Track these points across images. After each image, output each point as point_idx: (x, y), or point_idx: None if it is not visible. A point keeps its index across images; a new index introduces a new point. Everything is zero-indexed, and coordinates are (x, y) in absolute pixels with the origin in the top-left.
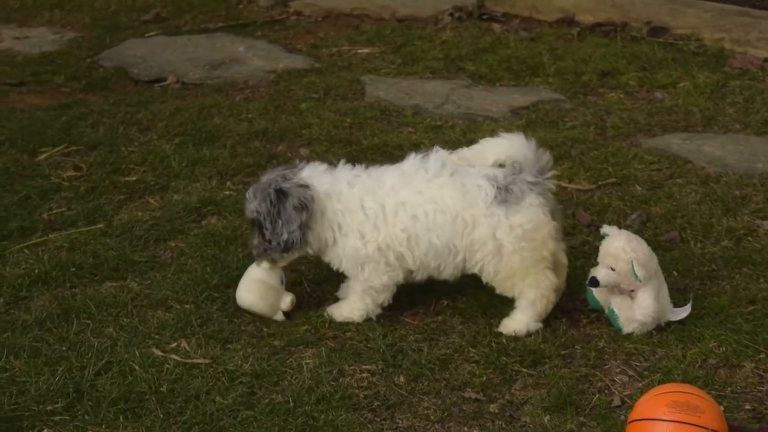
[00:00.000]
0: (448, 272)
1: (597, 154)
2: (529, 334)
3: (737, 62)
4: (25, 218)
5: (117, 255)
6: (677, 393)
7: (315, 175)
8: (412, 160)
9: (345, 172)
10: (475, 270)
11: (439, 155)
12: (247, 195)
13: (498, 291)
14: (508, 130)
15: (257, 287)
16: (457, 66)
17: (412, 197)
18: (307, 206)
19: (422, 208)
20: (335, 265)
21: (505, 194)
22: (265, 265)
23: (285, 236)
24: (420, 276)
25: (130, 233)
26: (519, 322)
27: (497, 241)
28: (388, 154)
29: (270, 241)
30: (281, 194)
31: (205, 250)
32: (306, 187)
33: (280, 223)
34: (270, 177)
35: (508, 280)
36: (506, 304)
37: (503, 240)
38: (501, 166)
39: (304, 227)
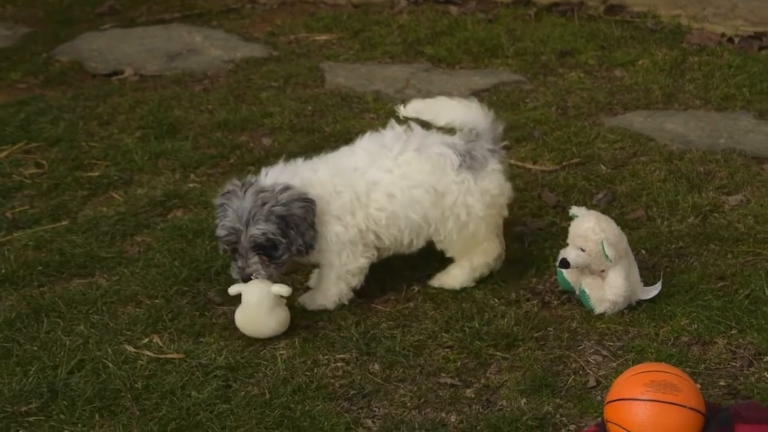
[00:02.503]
0: (418, 245)
1: (560, 135)
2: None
3: (694, 38)
4: None
5: (84, 252)
6: (655, 372)
7: (281, 175)
8: (368, 139)
9: (304, 164)
10: (440, 239)
11: (395, 132)
12: (233, 226)
13: (449, 255)
14: None
15: (277, 312)
16: (416, 50)
17: (384, 176)
18: (310, 205)
19: (397, 186)
20: (312, 258)
21: (469, 161)
22: (260, 283)
23: (301, 242)
24: (388, 253)
25: (96, 229)
26: (454, 278)
27: (468, 208)
28: (351, 141)
29: (280, 257)
30: (285, 211)
31: (172, 244)
32: (289, 188)
33: (292, 233)
34: (249, 200)
35: (467, 246)
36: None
37: (475, 206)
38: (449, 131)
39: (314, 224)
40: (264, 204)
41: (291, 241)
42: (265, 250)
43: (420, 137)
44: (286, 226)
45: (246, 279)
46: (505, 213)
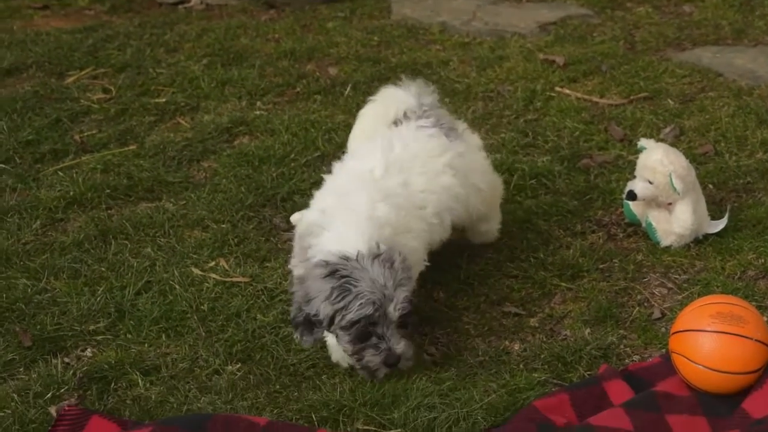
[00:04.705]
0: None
1: (627, 69)
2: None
3: None
4: (56, 141)
5: (151, 176)
6: (721, 304)
7: (360, 233)
8: (365, 153)
9: (351, 214)
10: (476, 210)
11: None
12: (377, 299)
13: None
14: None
15: None
16: None
17: (419, 179)
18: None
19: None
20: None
21: (447, 129)
22: None
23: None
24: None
25: (163, 154)
26: (492, 232)
27: (476, 170)
28: (417, 71)
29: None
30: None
31: (238, 170)
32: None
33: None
34: (379, 268)
35: (493, 203)
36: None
37: (479, 163)
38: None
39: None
40: (392, 266)
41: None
42: (406, 318)
43: (404, 130)
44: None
45: (395, 363)
46: None
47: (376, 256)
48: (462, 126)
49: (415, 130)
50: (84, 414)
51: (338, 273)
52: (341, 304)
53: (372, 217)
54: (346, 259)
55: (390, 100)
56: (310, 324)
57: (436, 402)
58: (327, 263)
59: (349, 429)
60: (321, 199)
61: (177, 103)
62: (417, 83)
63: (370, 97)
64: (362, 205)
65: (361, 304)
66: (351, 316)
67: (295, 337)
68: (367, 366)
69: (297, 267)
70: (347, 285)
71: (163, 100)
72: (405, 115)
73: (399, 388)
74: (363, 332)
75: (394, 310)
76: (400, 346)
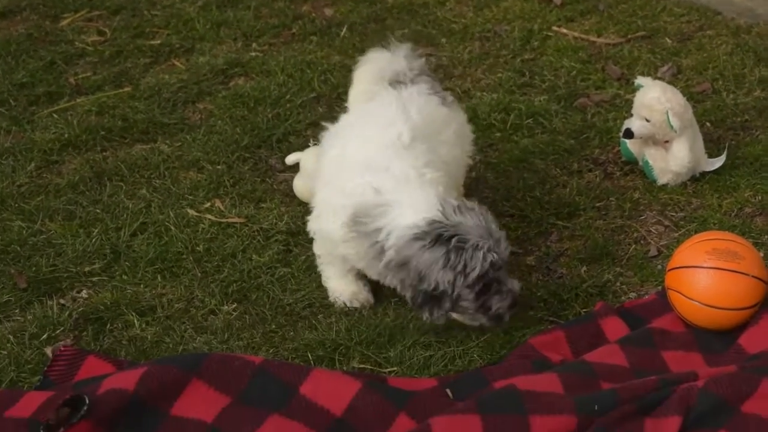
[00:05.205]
0: None
1: (625, 8)
2: None
3: None
4: (51, 83)
5: (146, 118)
6: (717, 240)
7: (426, 196)
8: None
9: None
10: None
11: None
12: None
13: None
14: None
15: None
16: None
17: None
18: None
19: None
20: None
21: (450, 103)
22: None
23: None
24: None
25: (158, 96)
26: None
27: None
28: (414, 12)
29: None
30: None
31: (234, 111)
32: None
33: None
34: (479, 216)
35: None
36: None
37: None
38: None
39: None
40: (481, 210)
41: None
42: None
43: (412, 95)
44: None
45: (516, 303)
46: None
47: (463, 207)
48: (449, 97)
49: (419, 94)
50: (79, 354)
51: (443, 236)
52: (461, 264)
53: (426, 180)
54: (440, 221)
55: (383, 61)
56: (434, 299)
57: (432, 340)
58: (426, 232)
59: (345, 367)
60: (357, 177)
61: (172, 44)
62: (405, 47)
63: (361, 58)
64: (411, 171)
65: (483, 254)
66: (477, 270)
67: (425, 317)
68: (497, 314)
69: (366, 255)
70: (459, 243)
71: (158, 42)
72: (398, 77)
73: (395, 327)
74: (488, 282)
75: (505, 251)
76: (515, 284)
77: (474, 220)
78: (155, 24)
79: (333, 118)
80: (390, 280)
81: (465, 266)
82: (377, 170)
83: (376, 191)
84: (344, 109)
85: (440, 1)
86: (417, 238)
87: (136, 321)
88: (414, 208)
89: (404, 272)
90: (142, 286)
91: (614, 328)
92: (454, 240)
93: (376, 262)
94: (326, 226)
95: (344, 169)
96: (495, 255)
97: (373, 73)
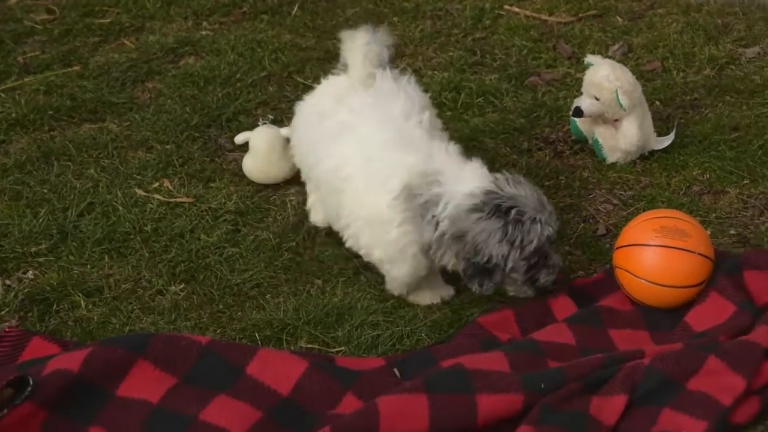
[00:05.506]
0: None
1: None
2: None
3: None
4: None
5: (94, 97)
6: (665, 218)
7: (471, 172)
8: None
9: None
10: None
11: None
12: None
13: None
14: None
15: (289, 156)
16: None
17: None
18: None
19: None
20: None
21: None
22: (268, 128)
23: None
24: None
25: (107, 75)
26: None
27: None
28: None
29: None
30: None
31: (183, 91)
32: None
33: None
34: (529, 187)
35: None
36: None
37: None
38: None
39: None
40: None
41: None
42: None
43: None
44: None
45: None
46: None
47: (515, 179)
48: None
49: (398, 80)
50: (25, 335)
51: (501, 207)
52: (519, 237)
53: (453, 152)
54: (496, 192)
55: (374, 43)
56: (485, 271)
57: (380, 320)
58: (484, 203)
59: (292, 347)
60: (387, 160)
61: (122, 23)
62: (380, 29)
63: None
64: (450, 147)
65: (541, 227)
66: (534, 243)
67: (474, 289)
68: (543, 287)
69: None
70: (517, 216)
71: (108, 20)
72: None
73: (343, 306)
74: (542, 255)
75: (557, 224)
76: (559, 259)
77: (528, 192)
78: (105, 2)
79: (284, 98)
80: (441, 255)
81: (522, 239)
82: (417, 149)
83: (425, 162)
84: (296, 88)
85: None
86: (475, 209)
87: (82, 302)
88: (466, 178)
89: (459, 244)
90: (89, 266)
91: (562, 306)
92: (513, 212)
93: (429, 237)
94: (375, 208)
95: (383, 150)
96: (550, 228)
97: (375, 54)
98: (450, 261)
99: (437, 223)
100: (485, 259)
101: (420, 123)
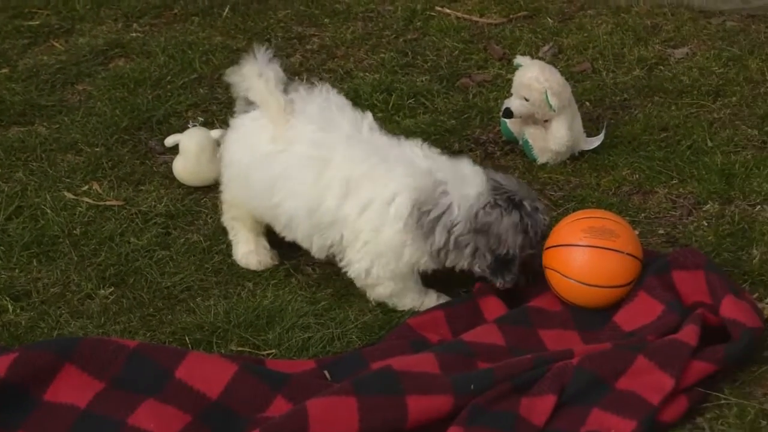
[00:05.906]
0: None
1: None
2: None
3: None
4: None
5: (23, 99)
6: (593, 218)
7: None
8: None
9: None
10: None
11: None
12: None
13: None
14: None
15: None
16: None
17: None
18: None
19: None
20: None
21: None
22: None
23: None
24: None
25: (36, 77)
26: None
27: None
28: None
29: None
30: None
31: (113, 93)
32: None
33: None
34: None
35: None
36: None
37: None
38: None
39: None
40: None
41: None
42: None
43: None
44: None
45: None
46: None
47: (499, 173)
48: None
49: (326, 94)
50: None
51: (514, 200)
52: (533, 227)
53: (434, 152)
54: (501, 187)
55: (265, 69)
56: (504, 263)
57: (311, 322)
58: (498, 199)
59: (222, 351)
60: (387, 174)
61: (51, 25)
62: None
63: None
64: (420, 154)
65: (543, 216)
66: (540, 231)
67: (498, 284)
68: (535, 273)
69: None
70: (532, 207)
71: (37, 22)
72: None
73: (274, 309)
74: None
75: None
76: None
77: (518, 184)
78: (34, 4)
79: (214, 100)
80: (455, 257)
81: (535, 229)
82: (404, 164)
83: (423, 177)
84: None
85: None
86: (495, 205)
87: (10, 306)
88: (468, 180)
89: (483, 239)
90: (16, 270)
91: (492, 307)
92: (526, 203)
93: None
94: (387, 237)
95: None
96: (547, 217)
97: (274, 80)
98: (464, 262)
99: (450, 228)
100: (505, 251)
101: (372, 129)
